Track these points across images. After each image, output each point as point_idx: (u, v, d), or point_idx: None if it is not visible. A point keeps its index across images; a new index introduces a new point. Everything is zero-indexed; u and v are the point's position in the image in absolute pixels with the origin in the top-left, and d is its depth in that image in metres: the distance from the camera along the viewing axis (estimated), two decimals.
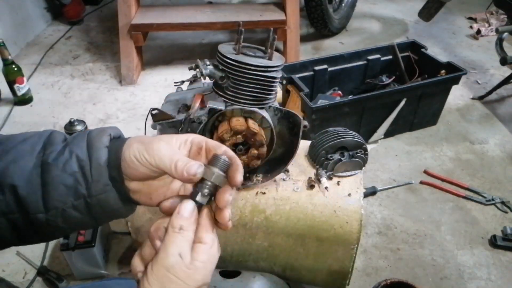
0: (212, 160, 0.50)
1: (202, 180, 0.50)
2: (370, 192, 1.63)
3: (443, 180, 1.71)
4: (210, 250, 0.49)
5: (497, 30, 1.91)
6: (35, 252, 1.41)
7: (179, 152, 0.52)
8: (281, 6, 2.39)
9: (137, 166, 0.51)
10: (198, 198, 0.49)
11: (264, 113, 1.01)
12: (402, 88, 1.81)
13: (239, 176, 0.51)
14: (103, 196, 0.52)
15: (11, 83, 2.12)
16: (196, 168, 0.49)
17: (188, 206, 0.49)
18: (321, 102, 1.74)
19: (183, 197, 0.52)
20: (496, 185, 1.70)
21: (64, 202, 0.51)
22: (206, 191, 0.50)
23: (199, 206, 0.50)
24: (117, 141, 0.54)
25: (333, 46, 2.76)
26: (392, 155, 1.86)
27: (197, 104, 1.03)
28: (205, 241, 0.49)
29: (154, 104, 2.15)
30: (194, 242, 0.49)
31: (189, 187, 0.55)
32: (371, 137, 1.89)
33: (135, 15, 2.31)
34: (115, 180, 0.52)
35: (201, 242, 0.48)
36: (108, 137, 0.54)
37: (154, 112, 1.00)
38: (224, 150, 0.52)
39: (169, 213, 0.51)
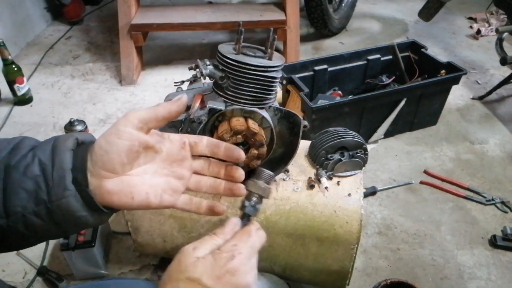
0: (257, 174, 0.56)
1: (250, 193, 0.55)
2: (370, 192, 1.63)
3: (443, 180, 1.71)
4: (221, 256, 0.47)
5: (497, 30, 1.91)
6: (35, 252, 1.41)
7: None
8: (281, 6, 2.39)
9: (116, 142, 0.49)
10: (248, 210, 0.54)
11: (264, 113, 1.01)
12: (402, 88, 1.81)
13: (236, 151, 0.55)
14: (64, 201, 0.49)
15: (11, 83, 2.12)
16: (180, 95, 0.53)
17: (231, 221, 0.53)
18: (321, 102, 1.74)
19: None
20: (496, 185, 1.70)
21: (24, 208, 0.49)
22: (253, 203, 0.54)
23: (248, 217, 0.54)
24: (85, 145, 0.52)
25: (333, 46, 2.76)
26: (392, 155, 1.86)
27: (197, 104, 1.03)
28: (222, 249, 0.48)
29: (154, 104, 2.14)
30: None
31: (174, 182, 0.55)
32: (371, 137, 1.89)
33: (135, 15, 2.31)
34: (79, 184, 0.49)
35: (220, 250, 0.48)
36: (74, 140, 0.52)
37: None
38: (225, 145, 0.55)
39: None
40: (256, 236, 0.50)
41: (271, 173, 0.54)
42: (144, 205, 0.53)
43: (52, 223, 0.50)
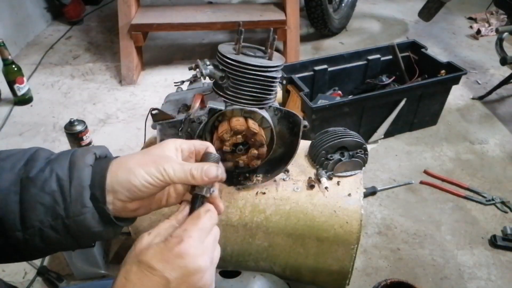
0: (204, 158, 0.55)
1: None
2: (370, 192, 1.63)
3: (443, 180, 1.71)
4: (170, 241, 0.48)
5: (497, 30, 1.91)
6: None
7: (183, 161, 0.55)
8: (281, 6, 2.39)
9: (151, 189, 0.51)
10: (204, 192, 0.53)
11: (264, 113, 1.01)
12: (402, 88, 1.81)
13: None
14: (81, 218, 0.50)
15: (11, 83, 2.12)
16: (216, 170, 0.52)
17: (183, 204, 0.54)
18: (321, 102, 1.74)
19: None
20: (496, 185, 1.70)
21: (41, 222, 0.50)
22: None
23: (202, 198, 0.54)
24: (103, 160, 0.53)
25: (333, 46, 2.76)
26: (392, 155, 1.86)
27: (197, 104, 1.03)
28: (173, 234, 0.49)
29: (154, 104, 2.15)
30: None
31: (179, 188, 0.57)
32: (371, 137, 1.89)
33: (135, 15, 2.31)
34: (96, 200, 0.51)
35: (171, 236, 0.50)
36: (92, 156, 0.53)
37: (154, 112, 1.00)
38: (207, 146, 0.57)
39: None
40: (205, 218, 0.50)
41: (217, 155, 0.55)
42: (161, 206, 0.59)
43: (68, 237, 0.51)
